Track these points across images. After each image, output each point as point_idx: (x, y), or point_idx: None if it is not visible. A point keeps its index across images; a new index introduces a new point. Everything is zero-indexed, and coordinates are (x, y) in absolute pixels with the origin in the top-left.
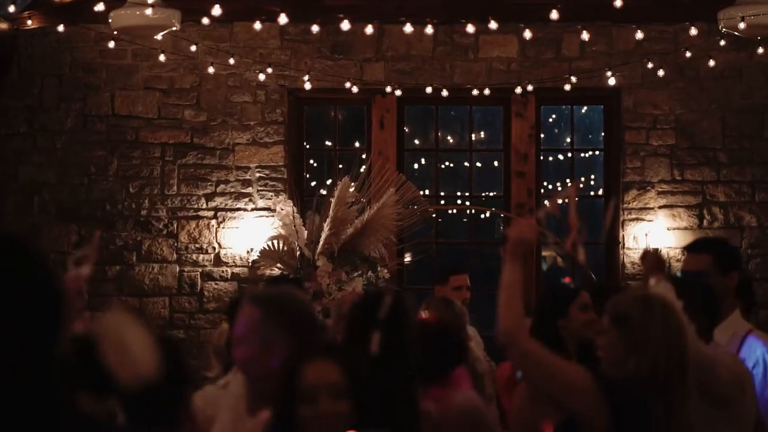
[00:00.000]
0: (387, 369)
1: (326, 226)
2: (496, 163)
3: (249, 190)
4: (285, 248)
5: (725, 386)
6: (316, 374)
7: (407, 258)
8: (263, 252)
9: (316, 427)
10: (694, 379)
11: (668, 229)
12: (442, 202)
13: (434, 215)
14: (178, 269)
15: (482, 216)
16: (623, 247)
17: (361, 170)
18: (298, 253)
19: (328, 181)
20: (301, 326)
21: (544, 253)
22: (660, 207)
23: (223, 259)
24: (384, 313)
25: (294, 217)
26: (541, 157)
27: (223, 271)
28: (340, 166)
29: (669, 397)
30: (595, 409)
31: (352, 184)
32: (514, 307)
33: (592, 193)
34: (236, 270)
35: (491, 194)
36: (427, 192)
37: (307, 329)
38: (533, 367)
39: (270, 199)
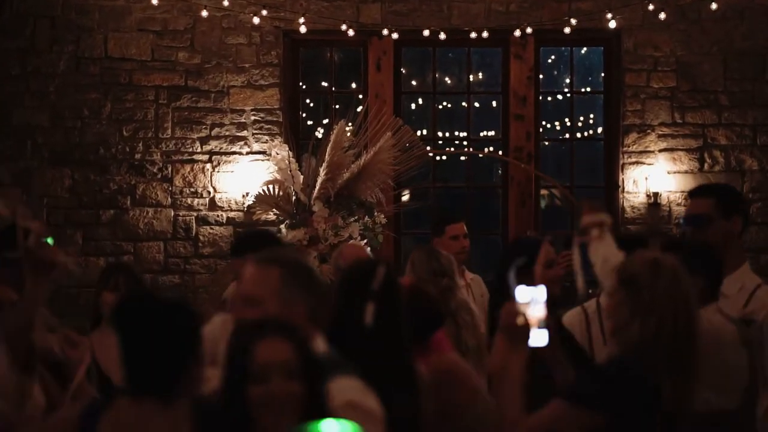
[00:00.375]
0: (381, 340)
1: (322, 171)
2: (494, 103)
3: (244, 133)
4: (280, 193)
5: None
6: (268, 353)
7: (405, 196)
8: (258, 197)
9: (267, 407)
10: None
11: (668, 173)
12: (440, 143)
13: (434, 156)
14: (172, 214)
15: (480, 155)
16: (623, 191)
17: (358, 110)
18: (293, 198)
19: (325, 120)
20: (318, 287)
21: (542, 192)
22: (660, 150)
23: (218, 204)
24: (378, 284)
25: (289, 162)
26: (540, 98)
27: (218, 216)
28: (336, 106)
29: (676, 368)
30: (592, 419)
31: (349, 127)
32: (517, 399)
33: (590, 132)
34: (231, 214)
35: (489, 135)
36: (424, 132)
37: (323, 290)
38: None
39: (265, 142)
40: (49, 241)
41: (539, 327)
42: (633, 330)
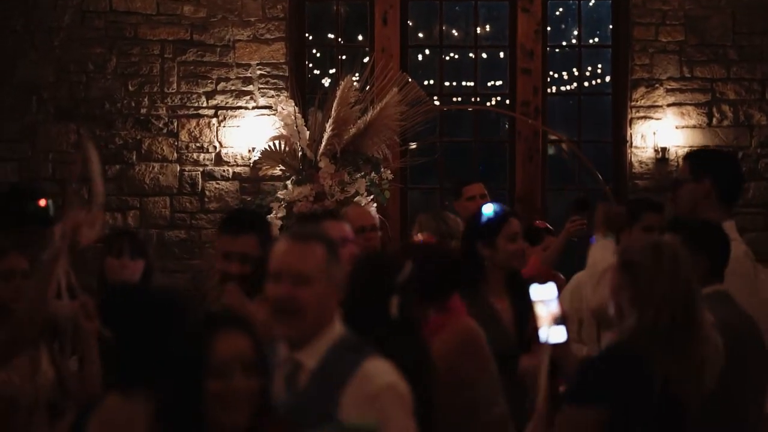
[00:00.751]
0: (401, 332)
1: (328, 127)
2: (501, 54)
3: (250, 88)
4: (286, 149)
5: None
6: (228, 347)
7: (413, 145)
8: (264, 153)
9: (225, 403)
10: (707, 338)
11: (677, 128)
12: (447, 95)
13: (441, 111)
14: (178, 168)
15: (488, 105)
16: (631, 146)
17: (365, 61)
18: (299, 153)
19: (332, 71)
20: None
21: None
22: (668, 105)
23: (224, 159)
24: (404, 278)
25: (295, 118)
26: (548, 50)
27: (224, 171)
28: (343, 57)
29: (674, 352)
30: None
31: (355, 80)
32: None
33: (597, 82)
34: (237, 169)
35: (497, 84)
36: (431, 82)
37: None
38: None
39: (272, 97)
40: (50, 204)
41: (555, 323)
42: (631, 315)
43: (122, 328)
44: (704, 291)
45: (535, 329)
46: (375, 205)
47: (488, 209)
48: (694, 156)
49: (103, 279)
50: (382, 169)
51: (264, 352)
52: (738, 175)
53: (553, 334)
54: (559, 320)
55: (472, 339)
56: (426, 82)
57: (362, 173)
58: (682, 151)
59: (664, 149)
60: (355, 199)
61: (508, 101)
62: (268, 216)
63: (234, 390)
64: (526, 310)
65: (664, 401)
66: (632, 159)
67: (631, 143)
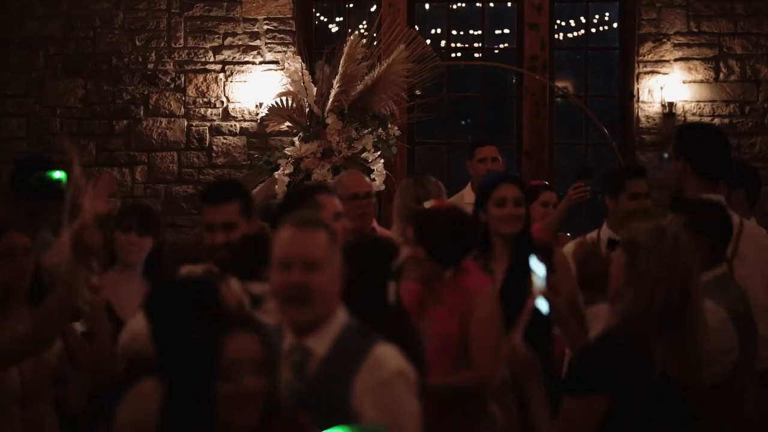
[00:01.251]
0: (397, 319)
1: (335, 83)
2: (509, 4)
3: (257, 42)
4: (294, 105)
5: None
6: (238, 348)
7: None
8: (272, 109)
9: (235, 404)
10: (703, 321)
11: (684, 83)
12: (453, 49)
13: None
14: (186, 124)
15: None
16: (638, 101)
17: (372, 10)
18: (306, 110)
19: (338, 18)
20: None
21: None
22: (676, 60)
23: (232, 114)
24: (399, 264)
25: (303, 74)
26: (555, 5)
27: (231, 126)
28: (350, 5)
29: (668, 334)
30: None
31: (362, 29)
32: (540, 415)
33: (604, 32)
34: (245, 125)
35: (504, 37)
36: (438, 31)
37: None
38: None
39: (279, 52)
40: (63, 176)
41: (541, 296)
42: (627, 296)
43: (157, 319)
44: (707, 275)
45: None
46: (382, 161)
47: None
48: (676, 133)
49: (112, 252)
50: (389, 125)
51: (273, 352)
52: (716, 149)
53: (539, 304)
54: (543, 292)
55: (483, 296)
56: (433, 31)
57: (369, 129)
58: (689, 106)
59: (671, 104)
60: (363, 155)
61: (515, 61)
62: (276, 172)
63: (244, 391)
64: (520, 277)
65: (662, 384)
66: (639, 114)
67: (638, 98)
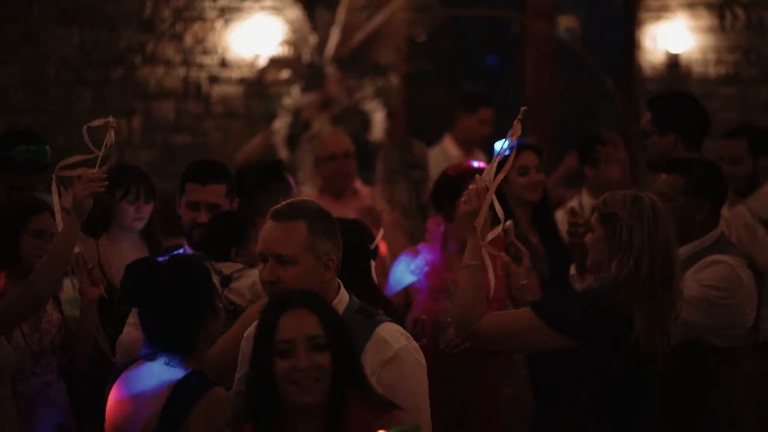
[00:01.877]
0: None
1: (335, 33)
2: None
3: None
4: (293, 54)
5: None
6: (292, 326)
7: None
8: (271, 60)
9: (294, 382)
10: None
11: (689, 30)
12: None
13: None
14: (183, 72)
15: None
16: (641, 49)
17: None
18: (306, 60)
19: None
20: (339, 233)
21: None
22: (680, 6)
23: (229, 63)
24: (375, 243)
25: (302, 24)
26: None
27: (229, 75)
28: None
29: (649, 306)
30: (560, 342)
31: None
32: (469, 293)
33: None
34: (243, 74)
35: None
36: None
37: (342, 242)
38: (494, 344)
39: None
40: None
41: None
42: (610, 268)
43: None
44: (710, 238)
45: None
46: (384, 110)
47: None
48: (656, 107)
49: (107, 217)
50: (389, 75)
51: (340, 327)
52: (701, 120)
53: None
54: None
55: None
56: None
57: (369, 79)
58: (695, 56)
59: (676, 56)
60: (362, 105)
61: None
62: (274, 123)
63: (301, 368)
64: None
65: (635, 349)
66: (642, 62)
67: (641, 46)
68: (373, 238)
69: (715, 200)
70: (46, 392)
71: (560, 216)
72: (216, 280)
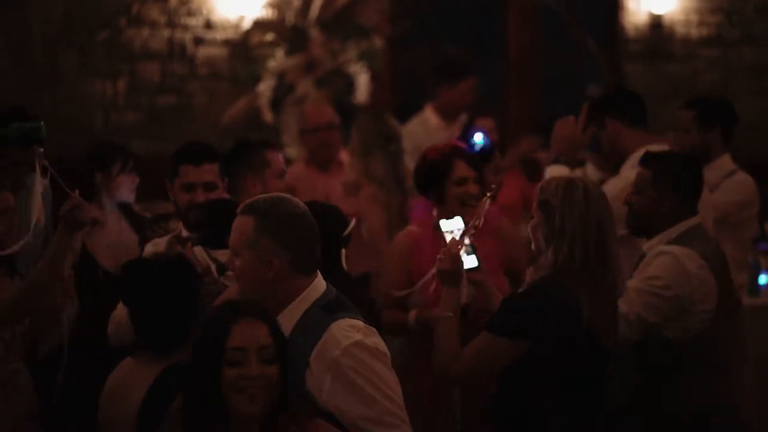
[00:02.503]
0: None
1: None
2: None
3: None
4: (277, 17)
5: None
6: (244, 335)
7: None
8: (256, 23)
9: (242, 391)
10: (620, 271)
11: None
12: None
13: None
14: (168, 33)
15: None
16: (622, 9)
17: None
18: (290, 22)
19: None
20: (302, 235)
21: None
22: None
23: (214, 24)
24: (349, 231)
25: None
26: None
27: (214, 37)
28: None
29: (590, 287)
30: (521, 347)
31: None
32: (446, 342)
33: None
34: (228, 35)
35: None
36: None
37: (308, 236)
38: (477, 378)
39: None
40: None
41: (467, 253)
42: (548, 254)
43: (136, 302)
44: (680, 227)
45: None
46: (368, 72)
47: (479, 137)
48: (591, 104)
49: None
50: (373, 37)
51: (284, 340)
52: (635, 96)
53: (466, 261)
54: (469, 250)
55: None
56: None
57: (353, 41)
58: (678, 17)
59: (659, 17)
60: (347, 67)
61: None
62: (259, 86)
63: (251, 377)
64: None
65: (587, 334)
66: (625, 23)
67: (623, 6)
68: (346, 225)
69: (683, 193)
70: (15, 380)
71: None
72: (213, 267)
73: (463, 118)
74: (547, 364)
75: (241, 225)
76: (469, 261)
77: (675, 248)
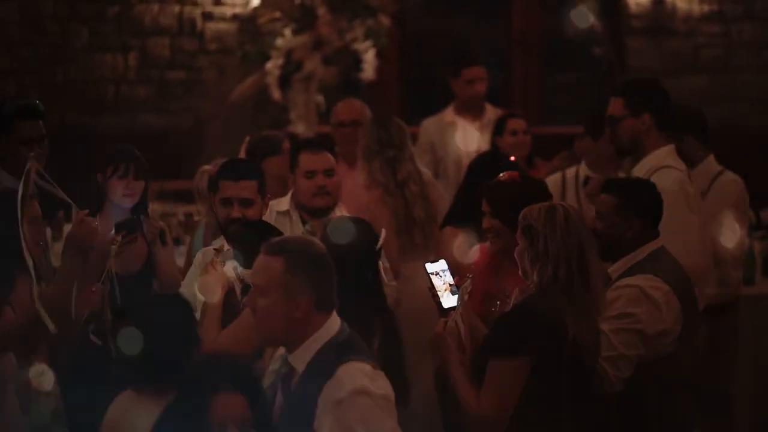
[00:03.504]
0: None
1: None
2: None
3: None
4: None
5: None
6: (224, 410)
7: None
8: (263, 1)
9: None
10: (601, 290)
11: None
12: None
13: None
14: (178, 9)
15: None
16: None
17: None
18: (298, 1)
19: None
20: (326, 272)
21: None
22: None
23: (224, 0)
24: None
25: None
26: None
27: (223, 12)
28: None
29: (574, 306)
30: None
31: None
32: (467, 386)
33: None
34: (236, 11)
35: None
36: None
37: (330, 273)
38: (504, 413)
39: None
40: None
41: (451, 293)
42: (533, 276)
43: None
44: (643, 252)
45: None
46: (375, 50)
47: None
48: (629, 90)
49: (102, 197)
50: (379, 15)
51: (261, 407)
52: (670, 100)
53: (447, 300)
54: (453, 290)
55: None
56: None
57: (360, 19)
58: None
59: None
60: (353, 46)
61: None
62: (267, 64)
63: None
64: None
65: (573, 347)
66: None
67: None
68: (376, 237)
69: (646, 218)
70: (40, 381)
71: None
72: (238, 288)
73: (489, 114)
74: (538, 381)
75: (270, 264)
76: (450, 300)
77: (640, 280)
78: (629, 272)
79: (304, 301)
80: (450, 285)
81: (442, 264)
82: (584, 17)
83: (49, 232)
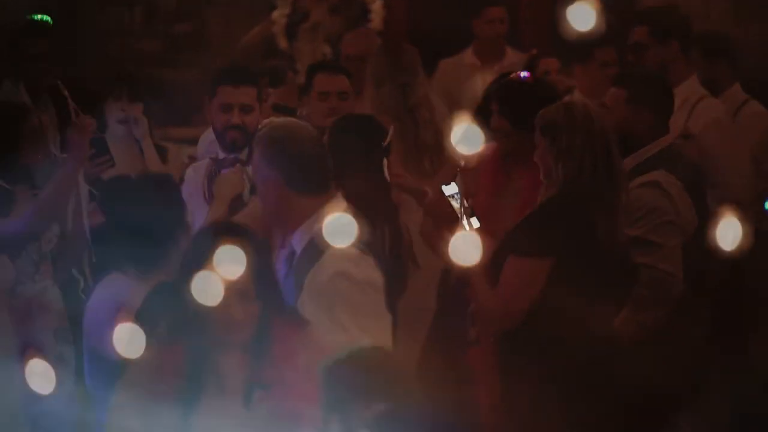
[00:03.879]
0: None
1: None
2: None
3: None
4: None
5: None
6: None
7: None
8: None
9: (221, 327)
10: (626, 184)
11: None
12: None
13: None
14: None
15: None
16: None
17: None
18: None
19: None
20: (288, 160)
21: None
22: None
23: None
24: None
25: None
26: None
27: None
28: None
29: (602, 203)
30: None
31: None
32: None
33: None
34: None
35: None
36: None
37: (295, 163)
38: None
39: None
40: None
41: (468, 216)
42: (558, 174)
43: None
44: (653, 148)
45: None
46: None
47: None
48: (653, 18)
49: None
50: None
51: (271, 271)
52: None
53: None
54: (470, 212)
55: None
56: None
57: None
58: None
59: None
60: None
61: None
62: (273, 13)
63: (229, 317)
64: None
65: (603, 245)
66: None
67: None
68: (385, 134)
69: (657, 110)
70: (42, 298)
71: None
72: (246, 189)
73: (510, 58)
74: (569, 281)
75: (256, 154)
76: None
77: (655, 176)
78: (642, 167)
79: (270, 182)
80: (465, 207)
81: (453, 187)
82: None
83: None
